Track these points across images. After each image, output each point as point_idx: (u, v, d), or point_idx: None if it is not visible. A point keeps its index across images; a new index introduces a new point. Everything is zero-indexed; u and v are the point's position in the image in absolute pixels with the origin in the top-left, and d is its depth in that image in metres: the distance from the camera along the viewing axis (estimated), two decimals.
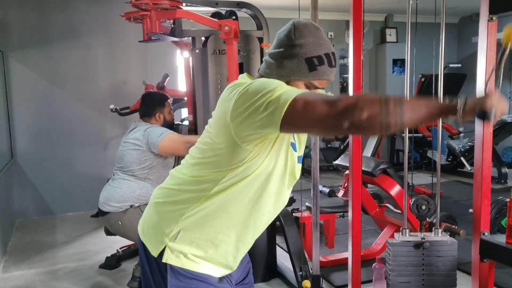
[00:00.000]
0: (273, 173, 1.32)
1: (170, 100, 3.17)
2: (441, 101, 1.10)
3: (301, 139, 1.44)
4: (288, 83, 1.29)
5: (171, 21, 3.16)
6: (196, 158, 1.37)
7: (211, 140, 1.32)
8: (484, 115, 1.09)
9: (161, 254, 1.34)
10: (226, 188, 1.31)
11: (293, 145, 1.35)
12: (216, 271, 1.38)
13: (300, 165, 1.43)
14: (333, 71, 1.33)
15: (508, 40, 1.27)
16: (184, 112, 5.12)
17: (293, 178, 1.41)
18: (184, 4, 3.05)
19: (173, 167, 2.58)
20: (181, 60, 3.95)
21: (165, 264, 1.33)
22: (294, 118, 1.09)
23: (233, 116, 1.19)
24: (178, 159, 3.02)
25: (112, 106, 4.44)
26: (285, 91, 1.12)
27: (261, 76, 1.36)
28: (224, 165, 1.29)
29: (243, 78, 1.37)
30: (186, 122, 3.71)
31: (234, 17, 3.09)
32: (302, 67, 1.29)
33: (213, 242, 1.35)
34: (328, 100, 1.08)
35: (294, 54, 1.30)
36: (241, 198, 1.32)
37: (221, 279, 1.39)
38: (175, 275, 1.33)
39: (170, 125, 3.09)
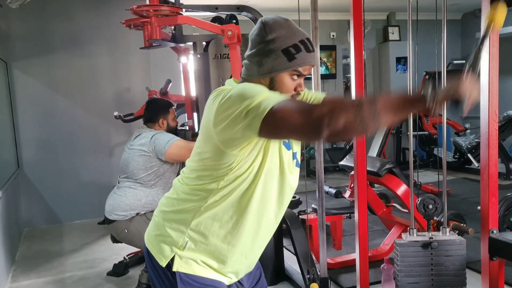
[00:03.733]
0: (269, 174, 1.31)
1: (173, 106, 3.17)
2: (411, 94, 1.11)
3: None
4: (272, 79, 1.30)
5: (172, 27, 3.17)
6: (190, 167, 1.37)
7: (200, 149, 1.32)
8: (457, 103, 1.08)
9: (170, 263, 1.33)
10: (224, 194, 1.30)
11: (285, 144, 1.34)
12: (225, 278, 1.38)
13: (296, 161, 1.41)
14: (312, 55, 1.32)
15: (492, 20, 1.24)
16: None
17: (293, 173, 1.40)
18: (184, 10, 3.05)
19: (177, 174, 2.58)
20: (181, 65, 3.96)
21: (175, 273, 1.33)
22: (272, 127, 1.10)
23: (215, 123, 1.20)
24: (181, 166, 3.02)
25: (116, 113, 4.45)
26: (265, 99, 1.12)
27: (244, 80, 1.36)
28: (214, 172, 1.29)
29: (229, 83, 1.37)
30: (186, 127, 3.71)
31: (234, 21, 3.09)
32: (281, 60, 1.29)
33: (220, 251, 1.34)
34: (304, 109, 1.09)
35: (270, 50, 1.29)
36: (242, 204, 1.31)
37: (231, 285, 1.39)
38: (185, 283, 1.32)
39: (174, 131, 3.09)
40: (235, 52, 2.81)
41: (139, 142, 2.87)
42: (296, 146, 1.42)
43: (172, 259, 1.33)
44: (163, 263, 1.34)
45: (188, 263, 1.33)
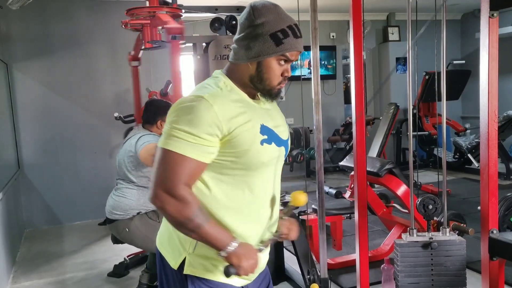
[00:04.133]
0: (263, 168, 1.32)
1: None
2: (221, 246, 1.25)
3: (278, 122, 1.40)
4: (259, 64, 1.30)
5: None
6: None
7: None
8: (228, 272, 1.26)
9: (181, 266, 1.33)
10: (221, 196, 1.30)
11: (266, 140, 1.31)
12: (236, 281, 1.37)
13: (285, 148, 1.41)
14: (299, 41, 1.32)
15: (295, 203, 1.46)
16: None
17: (280, 163, 1.42)
18: (183, 11, 3.05)
19: None
20: (182, 65, 3.97)
21: (186, 275, 1.33)
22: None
23: None
24: None
25: (116, 114, 4.46)
26: (170, 135, 1.23)
27: (232, 65, 1.36)
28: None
29: (216, 74, 1.38)
30: None
31: (234, 21, 3.09)
32: (268, 44, 1.29)
33: None
34: (162, 181, 1.22)
35: (258, 34, 1.29)
36: (240, 203, 1.32)
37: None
38: (196, 286, 1.32)
39: None
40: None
41: (129, 143, 2.86)
42: (285, 134, 1.42)
43: (183, 262, 1.33)
44: (174, 265, 1.35)
45: (198, 266, 1.33)
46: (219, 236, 1.25)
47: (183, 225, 1.24)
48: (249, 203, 1.33)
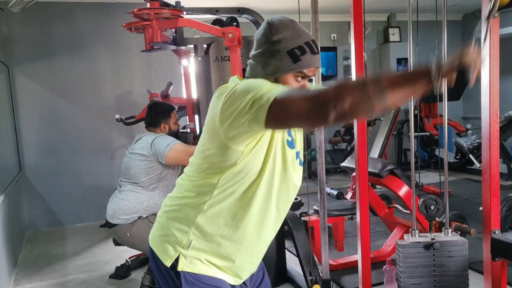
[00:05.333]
0: (272, 171, 1.31)
1: (175, 109, 3.18)
2: (415, 69, 1.09)
3: (297, 135, 1.42)
4: (276, 80, 1.31)
5: (173, 30, 3.17)
6: (194, 164, 1.38)
7: (204, 146, 1.32)
8: (463, 73, 1.05)
9: (175, 263, 1.33)
10: (227, 193, 1.30)
11: (289, 143, 1.34)
12: (230, 278, 1.38)
13: (299, 160, 1.42)
14: (317, 57, 1.33)
15: None
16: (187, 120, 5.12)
17: (296, 173, 1.40)
18: (184, 12, 3.06)
19: (179, 175, 2.58)
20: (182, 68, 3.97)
21: (179, 272, 1.33)
22: (278, 115, 1.10)
23: (221, 119, 1.20)
24: (182, 167, 3.02)
25: (117, 116, 4.46)
26: (269, 90, 1.13)
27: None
28: (218, 169, 1.29)
29: (233, 80, 1.37)
30: (188, 130, 3.72)
31: (235, 23, 3.10)
32: (286, 61, 1.29)
33: (225, 249, 1.34)
34: (309, 94, 1.10)
35: (276, 50, 1.30)
36: (246, 203, 1.31)
37: (236, 286, 1.39)
38: (189, 283, 1.32)
39: (175, 135, 3.10)
40: (235, 54, 2.82)
41: (139, 146, 2.87)
42: (299, 145, 1.42)
43: (177, 259, 1.33)
44: (168, 263, 1.35)
45: (192, 263, 1.33)
46: (403, 74, 1.08)
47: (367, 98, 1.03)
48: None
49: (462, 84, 1.10)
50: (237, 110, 1.15)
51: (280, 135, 1.32)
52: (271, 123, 1.12)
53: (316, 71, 1.36)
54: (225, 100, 1.19)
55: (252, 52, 1.37)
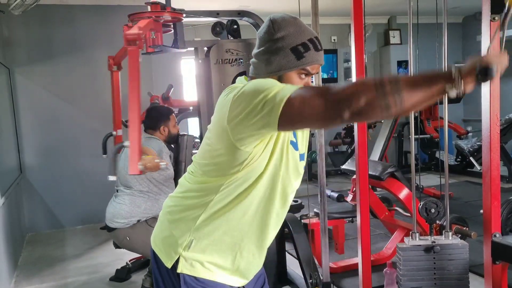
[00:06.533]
0: (276, 173, 1.31)
1: (174, 112, 3.18)
2: (434, 70, 1.06)
3: (303, 136, 1.42)
4: (280, 78, 1.29)
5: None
6: (199, 164, 1.37)
7: (210, 147, 1.31)
8: (486, 73, 1.00)
9: (175, 264, 1.33)
10: (231, 193, 1.29)
11: (293, 144, 1.33)
12: (232, 280, 1.37)
13: (304, 162, 1.41)
14: (321, 54, 1.32)
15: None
16: (190, 122, 5.12)
17: (298, 175, 1.40)
18: (184, 15, 3.06)
19: (181, 175, 2.57)
20: (186, 70, 3.97)
21: (179, 274, 1.32)
22: (292, 115, 1.08)
23: (230, 119, 1.18)
24: (185, 167, 3.02)
25: None
26: (281, 89, 1.11)
27: (252, 79, 1.35)
28: (225, 170, 1.28)
29: (241, 81, 1.36)
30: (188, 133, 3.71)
31: (235, 26, 3.10)
32: (289, 58, 1.28)
33: (226, 250, 1.34)
34: (324, 92, 1.07)
35: (279, 48, 1.29)
36: (248, 203, 1.31)
37: None
38: (188, 286, 1.31)
39: (175, 137, 3.10)
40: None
41: None
42: (304, 147, 1.42)
43: (177, 261, 1.32)
44: (169, 264, 1.34)
45: (192, 265, 1.32)
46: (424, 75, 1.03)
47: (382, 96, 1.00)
48: None
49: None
50: (246, 110, 1.13)
51: (286, 136, 1.31)
52: (285, 123, 1.10)
53: (320, 68, 1.35)
54: (234, 100, 1.17)
55: (255, 51, 1.35)
